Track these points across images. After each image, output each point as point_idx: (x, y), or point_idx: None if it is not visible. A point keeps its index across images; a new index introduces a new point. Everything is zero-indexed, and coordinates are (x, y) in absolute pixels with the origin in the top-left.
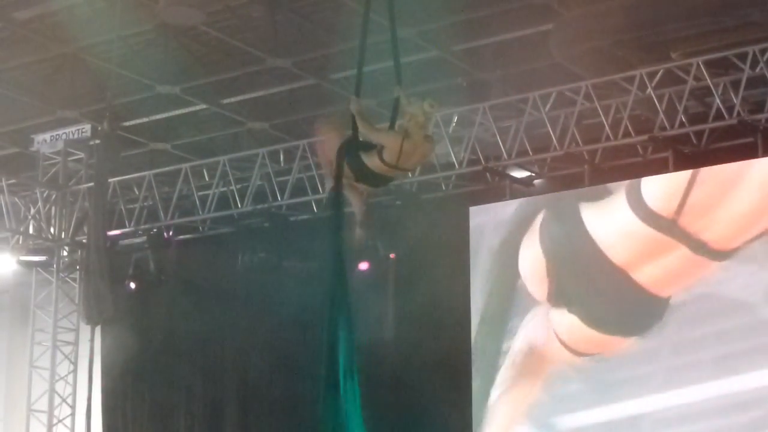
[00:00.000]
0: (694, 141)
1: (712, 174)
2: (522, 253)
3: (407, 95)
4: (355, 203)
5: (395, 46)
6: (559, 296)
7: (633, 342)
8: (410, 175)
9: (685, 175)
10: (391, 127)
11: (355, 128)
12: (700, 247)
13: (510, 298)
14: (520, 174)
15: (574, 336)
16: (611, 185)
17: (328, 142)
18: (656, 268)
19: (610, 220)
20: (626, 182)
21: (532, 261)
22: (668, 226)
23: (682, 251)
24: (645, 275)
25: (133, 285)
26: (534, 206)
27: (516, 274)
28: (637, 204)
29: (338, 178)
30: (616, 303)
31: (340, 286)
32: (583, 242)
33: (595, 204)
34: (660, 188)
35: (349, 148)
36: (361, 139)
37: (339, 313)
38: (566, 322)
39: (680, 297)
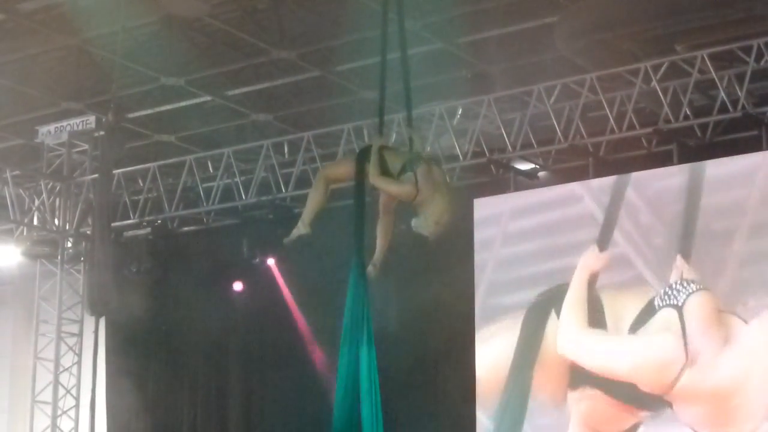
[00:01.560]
0: (699, 134)
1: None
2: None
3: (428, 159)
4: (381, 234)
5: (408, 95)
6: None
7: None
8: None
9: None
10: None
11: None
12: None
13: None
14: (524, 166)
15: None
16: None
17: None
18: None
19: None
20: None
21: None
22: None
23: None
24: None
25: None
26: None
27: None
28: None
29: (359, 175)
30: None
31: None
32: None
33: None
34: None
35: (367, 150)
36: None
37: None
38: None
39: None
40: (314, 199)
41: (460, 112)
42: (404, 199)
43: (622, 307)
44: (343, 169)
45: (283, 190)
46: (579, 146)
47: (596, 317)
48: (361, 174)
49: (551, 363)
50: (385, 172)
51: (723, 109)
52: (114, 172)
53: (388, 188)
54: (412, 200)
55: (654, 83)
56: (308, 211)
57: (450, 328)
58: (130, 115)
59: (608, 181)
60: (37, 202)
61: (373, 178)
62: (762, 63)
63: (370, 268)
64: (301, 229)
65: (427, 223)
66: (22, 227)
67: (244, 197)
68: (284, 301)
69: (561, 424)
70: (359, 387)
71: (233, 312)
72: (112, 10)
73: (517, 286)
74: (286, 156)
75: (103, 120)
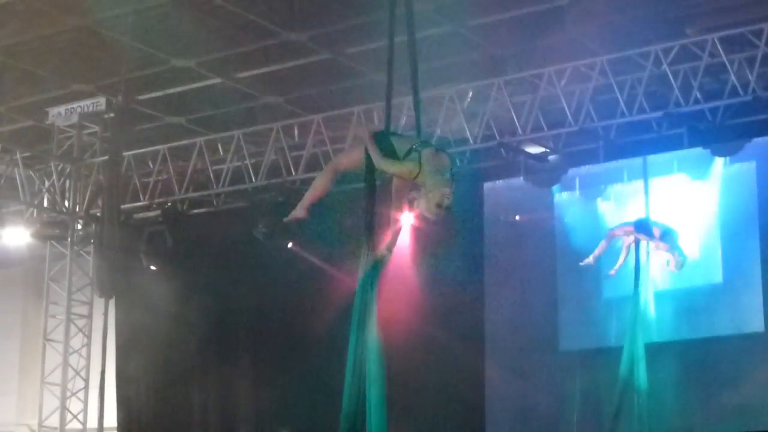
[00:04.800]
0: (709, 118)
1: None
2: None
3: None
4: (394, 220)
5: (415, 80)
6: None
7: None
8: None
9: None
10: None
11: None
12: None
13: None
14: (534, 150)
15: None
16: None
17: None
18: None
19: None
20: None
21: None
22: None
23: None
24: None
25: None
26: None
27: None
28: None
29: (370, 162)
30: None
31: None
32: None
33: None
34: None
35: (383, 134)
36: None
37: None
38: None
39: None
40: (319, 186)
41: (470, 95)
42: (406, 177)
43: None
44: (354, 158)
45: (293, 173)
46: (589, 129)
47: None
48: (372, 161)
49: None
50: (391, 155)
51: (733, 92)
52: (124, 154)
53: (390, 168)
54: (414, 178)
55: (664, 67)
56: (309, 197)
57: (460, 308)
58: (140, 97)
59: None
60: (47, 184)
61: (377, 161)
62: None
63: (384, 251)
64: (298, 212)
65: (429, 206)
66: (32, 209)
67: (254, 180)
68: (293, 284)
69: None
70: (366, 370)
71: (242, 294)
72: None
73: None
74: (296, 139)
75: (114, 102)
